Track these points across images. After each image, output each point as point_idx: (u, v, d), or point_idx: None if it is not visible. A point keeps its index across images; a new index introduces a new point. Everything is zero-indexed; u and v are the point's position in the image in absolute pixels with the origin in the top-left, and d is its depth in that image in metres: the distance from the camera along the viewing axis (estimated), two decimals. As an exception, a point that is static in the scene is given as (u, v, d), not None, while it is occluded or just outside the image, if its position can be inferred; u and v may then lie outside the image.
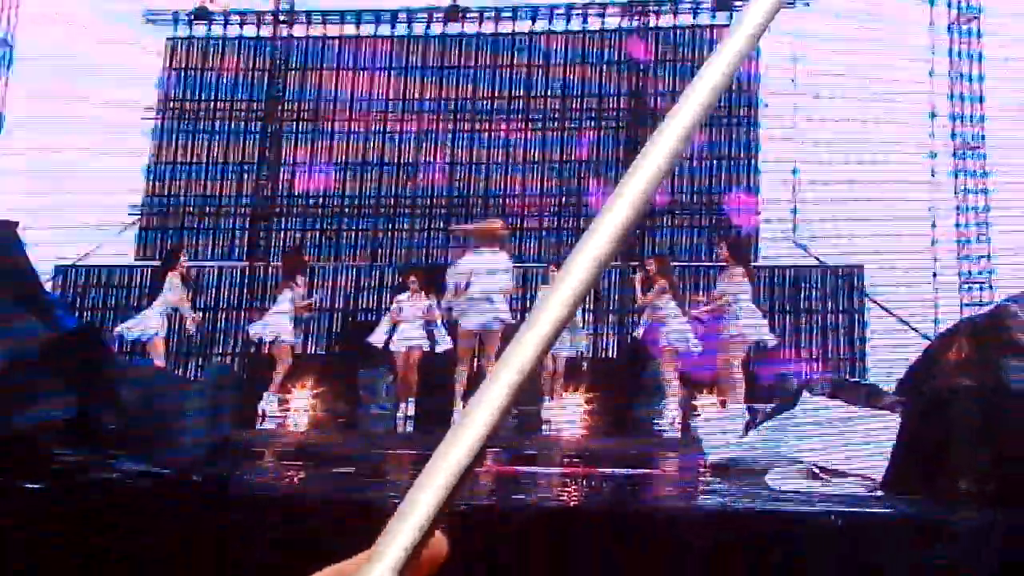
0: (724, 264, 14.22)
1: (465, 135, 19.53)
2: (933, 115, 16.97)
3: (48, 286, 17.43)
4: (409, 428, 13.98)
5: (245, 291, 18.86)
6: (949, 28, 17.43)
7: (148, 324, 15.03)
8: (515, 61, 19.76)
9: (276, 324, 15.19)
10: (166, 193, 19.60)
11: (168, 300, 15.11)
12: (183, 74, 20.19)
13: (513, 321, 13.46)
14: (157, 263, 17.77)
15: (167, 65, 20.20)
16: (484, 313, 13.38)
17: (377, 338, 15.23)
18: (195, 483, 5.65)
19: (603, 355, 17.63)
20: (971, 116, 17.13)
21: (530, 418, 14.10)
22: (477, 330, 13.52)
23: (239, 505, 5.48)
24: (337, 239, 19.13)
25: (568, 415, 14.10)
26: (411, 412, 14.59)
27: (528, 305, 16.28)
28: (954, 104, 17.17)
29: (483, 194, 19.19)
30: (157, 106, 20.00)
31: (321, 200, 19.44)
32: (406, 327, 15.14)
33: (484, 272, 13.46)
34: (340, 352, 17.41)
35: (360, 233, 19.25)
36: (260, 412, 14.45)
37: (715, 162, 18.45)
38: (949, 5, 17.52)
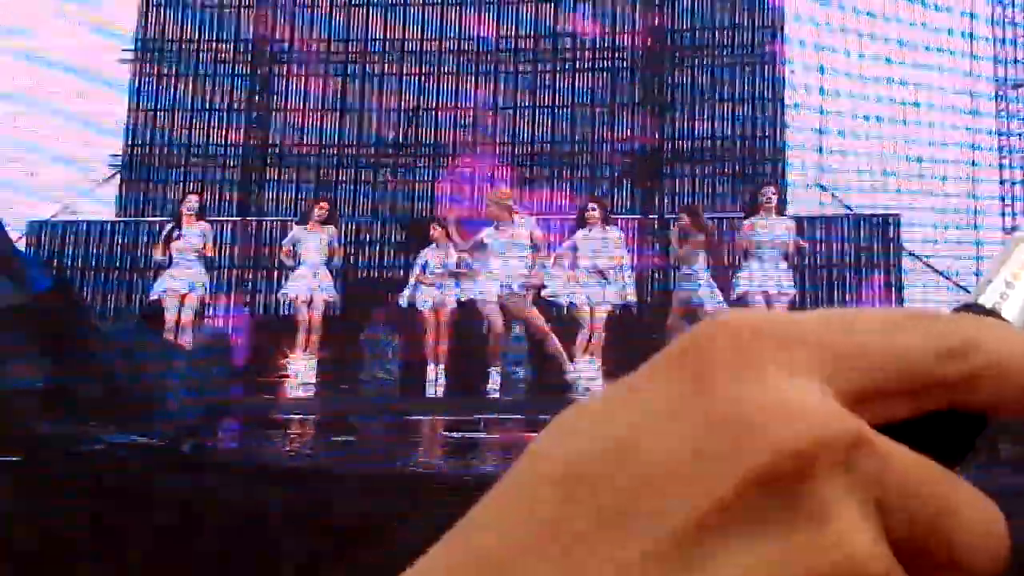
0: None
1: (470, 77, 19.42)
2: (974, 56, 16.82)
3: (21, 244, 17.40)
4: (439, 393, 13.97)
5: (238, 249, 18.75)
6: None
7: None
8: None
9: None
10: (148, 143, 19.51)
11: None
12: (162, 12, 20.04)
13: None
14: (141, 218, 17.86)
15: (144, 3, 20.04)
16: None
17: (407, 298, 15.09)
18: (184, 454, 5.63)
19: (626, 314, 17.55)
20: (1015, 55, 17.03)
21: (550, 380, 14.13)
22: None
23: (230, 476, 5.45)
24: (334, 191, 19.02)
25: (588, 378, 14.07)
26: (438, 377, 14.51)
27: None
28: (996, 42, 17.05)
29: (490, 140, 19.09)
30: (135, 47, 19.86)
31: (316, 150, 19.35)
32: (433, 283, 14.98)
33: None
34: (342, 312, 17.32)
35: (360, 185, 19.16)
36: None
37: (735, 104, 18.37)
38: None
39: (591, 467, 0.44)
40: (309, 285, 15.16)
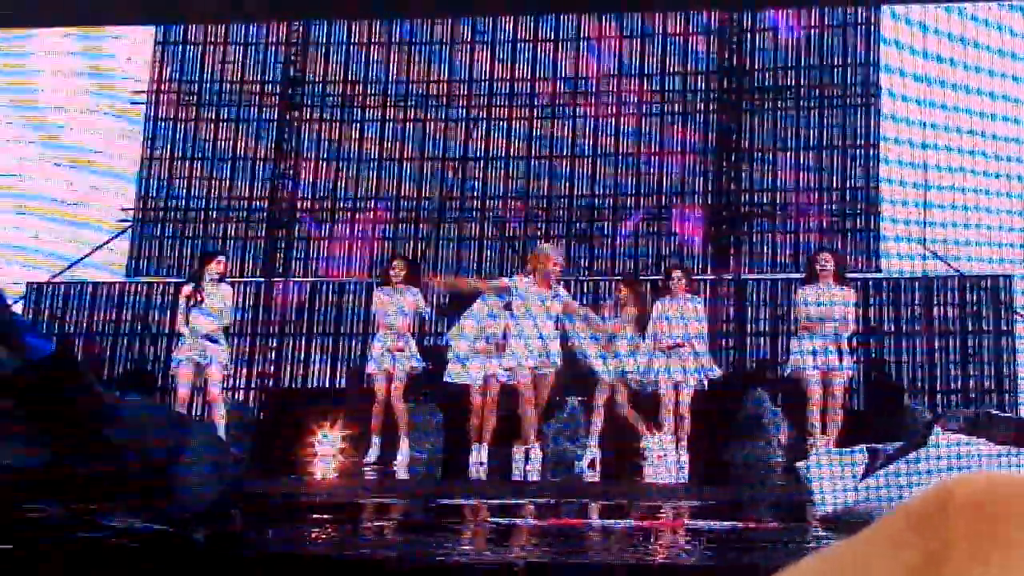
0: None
1: (523, 122, 19.34)
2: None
3: (18, 308, 17.42)
4: (482, 475, 13.81)
5: (262, 314, 18.70)
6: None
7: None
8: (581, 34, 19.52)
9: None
10: (163, 195, 19.45)
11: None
12: (179, 49, 20.03)
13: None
14: (155, 279, 17.87)
15: (161, 38, 20.01)
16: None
17: (459, 373, 14.85)
18: (198, 543, 5.53)
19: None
20: None
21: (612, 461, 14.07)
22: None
23: (252, 569, 5.35)
24: (370, 250, 18.94)
25: (655, 458, 13.99)
26: (483, 457, 14.31)
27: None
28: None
29: (544, 194, 19.00)
30: (149, 88, 19.85)
31: (351, 204, 19.27)
32: (481, 350, 14.72)
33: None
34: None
35: (400, 243, 19.03)
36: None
37: (826, 152, 18.18)
38: None
39: None
40: (393, 355, 14.95)
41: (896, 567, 0.46)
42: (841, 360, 13.96)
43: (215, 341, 14.86)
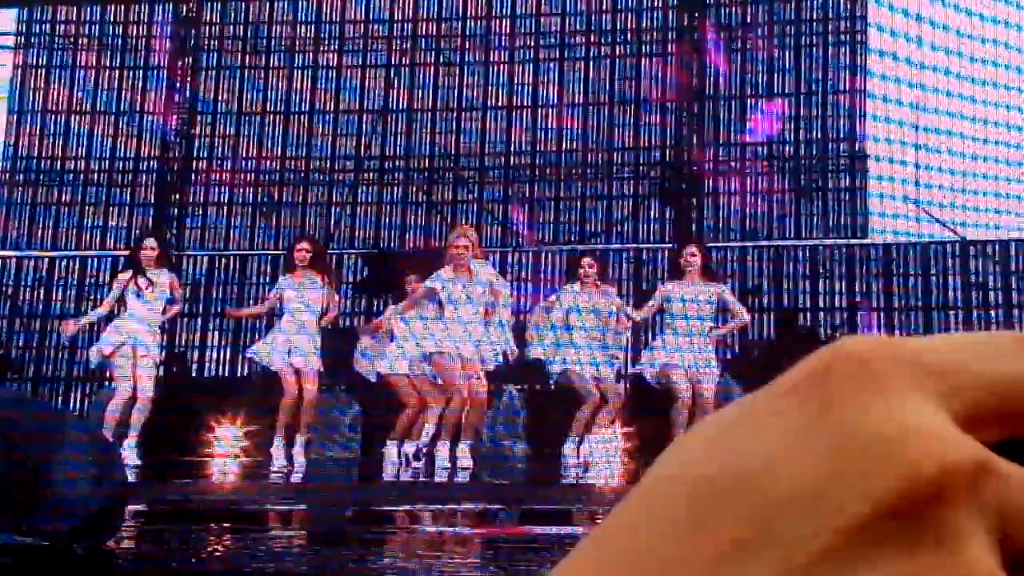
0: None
1: (453, 69, 19.17)
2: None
3: None
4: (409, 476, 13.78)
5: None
6: None
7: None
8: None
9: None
10: (33, 156, 19.17)
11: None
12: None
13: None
14: (18, 253, 17.63)
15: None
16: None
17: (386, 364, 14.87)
18: (78, 557, 5.35)
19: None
20: None
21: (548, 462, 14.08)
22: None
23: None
24: (278, 217, 18.75)
25: (599, 458, 14.14)
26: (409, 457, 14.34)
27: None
28: None
29: (475, 151, 18.84)
30: (17, 30, 19.52)
31: (256, 164, 19.04)
32: (411, 337, 14.67)
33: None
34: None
35: (314, 208, 18.85)
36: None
37: (804, 97, 18.06)
38: None
39: (721, 496, 0.50)
40: (293, 349, 14.76)
41: (778, 425, 0.50)
42: (710, 362, 14.54)
43: (149, 331, 14.80)
